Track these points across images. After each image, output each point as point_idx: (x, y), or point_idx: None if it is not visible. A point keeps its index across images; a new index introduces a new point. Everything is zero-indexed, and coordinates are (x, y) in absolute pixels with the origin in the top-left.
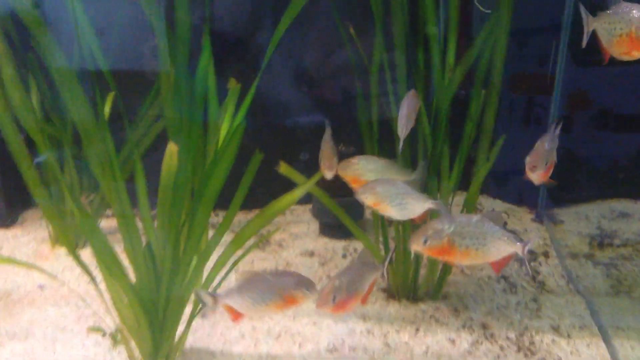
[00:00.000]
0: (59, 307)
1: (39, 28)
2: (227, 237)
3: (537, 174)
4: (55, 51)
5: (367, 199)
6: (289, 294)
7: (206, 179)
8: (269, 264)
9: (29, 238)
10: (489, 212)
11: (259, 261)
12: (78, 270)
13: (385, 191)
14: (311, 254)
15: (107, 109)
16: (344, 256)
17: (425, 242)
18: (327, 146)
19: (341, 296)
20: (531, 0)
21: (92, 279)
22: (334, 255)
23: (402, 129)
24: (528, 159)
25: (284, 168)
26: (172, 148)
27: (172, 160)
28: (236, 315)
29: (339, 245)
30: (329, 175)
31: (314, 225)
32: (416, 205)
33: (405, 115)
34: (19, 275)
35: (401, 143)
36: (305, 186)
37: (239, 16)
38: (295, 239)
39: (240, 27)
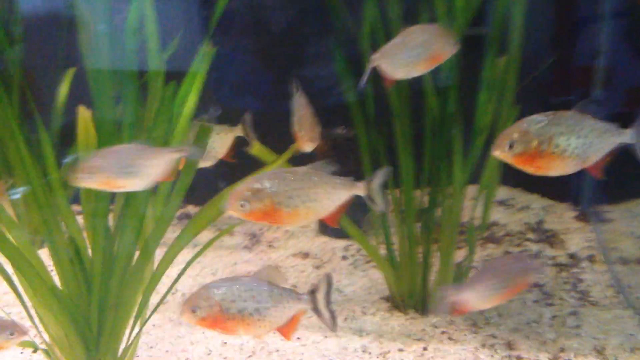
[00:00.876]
0: None
1: None
2: None
3: (497, 156)
4: None
5: None
6: None
7: None
8: (254, 266)
9: None
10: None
11: (243, 264)
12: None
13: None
14: (305, 255)
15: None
16: (344, 258)
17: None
18: (304, 111)
19: (203, 311)
20: None
21: (10, 283)
22: (332, 256)
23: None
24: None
25: (256, 148)
26: (83, 114)
27: (88, 132)
28: None
29: (339, 245)
30: (307, 148)
31: (313, 223)
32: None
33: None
34: None
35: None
36: (272, 166)
37: None
38: (290, 237)
39: None
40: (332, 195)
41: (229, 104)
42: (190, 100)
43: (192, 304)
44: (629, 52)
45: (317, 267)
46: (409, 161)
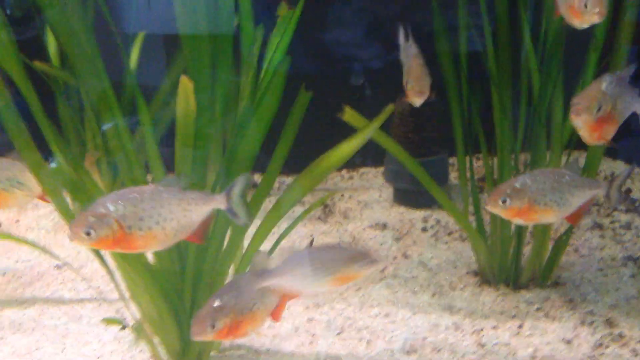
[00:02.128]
0: (76, 291)
1: None
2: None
3: (584, 121)
4: None
5: None
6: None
7: (242, 129)
8: (332, 238)
9: (50, 208)
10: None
11: (319, 235)
12: None
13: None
14: (383, 226)
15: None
16: (424, 229)
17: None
18: (415, 63)
19: (224, 321)
20: None
21: (100, 257)
22: (411, 228)
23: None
24: (574, 99)
25: (349, 114)
26: (186, 84)
27: (188, 103)
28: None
29: (417, 215)
30: (418, 102)
31: (387, 192)
32: None
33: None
34: (33, 253)
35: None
36: (366, 131)
37: None
38: (364, 208)
39: None
40: (189, 212)
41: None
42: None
43: (85, 225)
44: None
45: (397, 239)
46: (505, 127)
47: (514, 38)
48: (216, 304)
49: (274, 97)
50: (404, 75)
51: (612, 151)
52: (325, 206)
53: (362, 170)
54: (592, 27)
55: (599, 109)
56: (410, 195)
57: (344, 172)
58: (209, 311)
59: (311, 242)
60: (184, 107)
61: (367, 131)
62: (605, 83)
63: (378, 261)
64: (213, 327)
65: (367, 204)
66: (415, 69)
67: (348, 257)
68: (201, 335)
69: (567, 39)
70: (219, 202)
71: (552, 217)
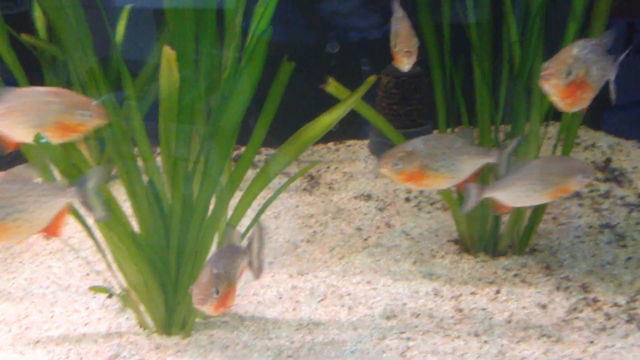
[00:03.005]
0: (65, 261)
1: None
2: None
3: (553, 86)
4: None
5: None
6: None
7: (224, 100)
8: (317, 209)
9: None
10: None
11: (305, 206)
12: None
13: None
14: (367, 197)
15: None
16: (407, 200)
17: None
18: (402, 25)
19: (223, 288)
20: None
21: (87, 228)
22: (395, 198)
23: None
24: (544, 64)
25: (332, 85)
26: (168, 53)
27: (171, 72)
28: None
29: (401, 186)
30: (406, 64)
31: (372, 163)
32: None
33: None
34: None
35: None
36: (349, 101)
37: None
38: (350, 179)
39: None
40: (45, 204)
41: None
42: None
43: None
44: None
45: (381, 210)
46: (486, 99)
47: (496, 9)
48: (215, 270)
49: (257, 66)
50: (391, 38)
51: (594, 121)
52: (312, 177)
53: (348, 142)
54: None
55: (569, 74)
56: None
57: (330, 144)
58: (210, 278)
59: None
60: (167, 78)
61: (349, 102)
62: (577, 48)
63: (592, 174)
64: (217, 292)
65: (352, 175)
66: (403, 30)
67: (568, 170)
68: (206, 302)
69: (549, 10)
70: (71, 195)
71: (443, 183)
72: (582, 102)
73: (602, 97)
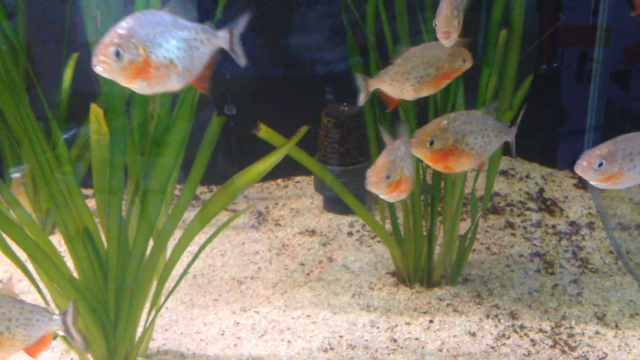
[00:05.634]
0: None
1: None
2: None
3: (420, 154)
4: None
5: None
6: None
7: (159, 140)
8: (262, 245)
9: None
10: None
11: (251, 243)
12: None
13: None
14: (312, 232)
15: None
16: (350, 234)
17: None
18: (445, 4)
19: (395, 176)
20: None
21: (25, 271)
22: (338, 233)
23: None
24: (416, 131)
25: (264, 131)
26: (95, 110)
27: (100, 127)
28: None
29: (344, 221)
30: (447, 43)
31: (319, 199)
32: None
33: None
34: None
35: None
36: (281, 150)
37: None
38: (296, 215)
39: None
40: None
41: None
42: None
43: None
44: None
45: (324, 245)
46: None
47: None
48: (390, 157)
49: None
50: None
51: (529, 153)
52: (260, 214)
53: (296, 178)
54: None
55: (432, 143)
56: (337, 202)
57: (279, 180)
58: (383, 164)
59: None
60: (97, 131)
61: (283, 150)
62: (446, 120)
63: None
64: (388, 177)
65: (299, 211)
66: (444, 11)
67: (446, 53)
68: (377, 185)
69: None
70: (57, 324)
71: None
72: (462, 166)
73: (536, 130)
